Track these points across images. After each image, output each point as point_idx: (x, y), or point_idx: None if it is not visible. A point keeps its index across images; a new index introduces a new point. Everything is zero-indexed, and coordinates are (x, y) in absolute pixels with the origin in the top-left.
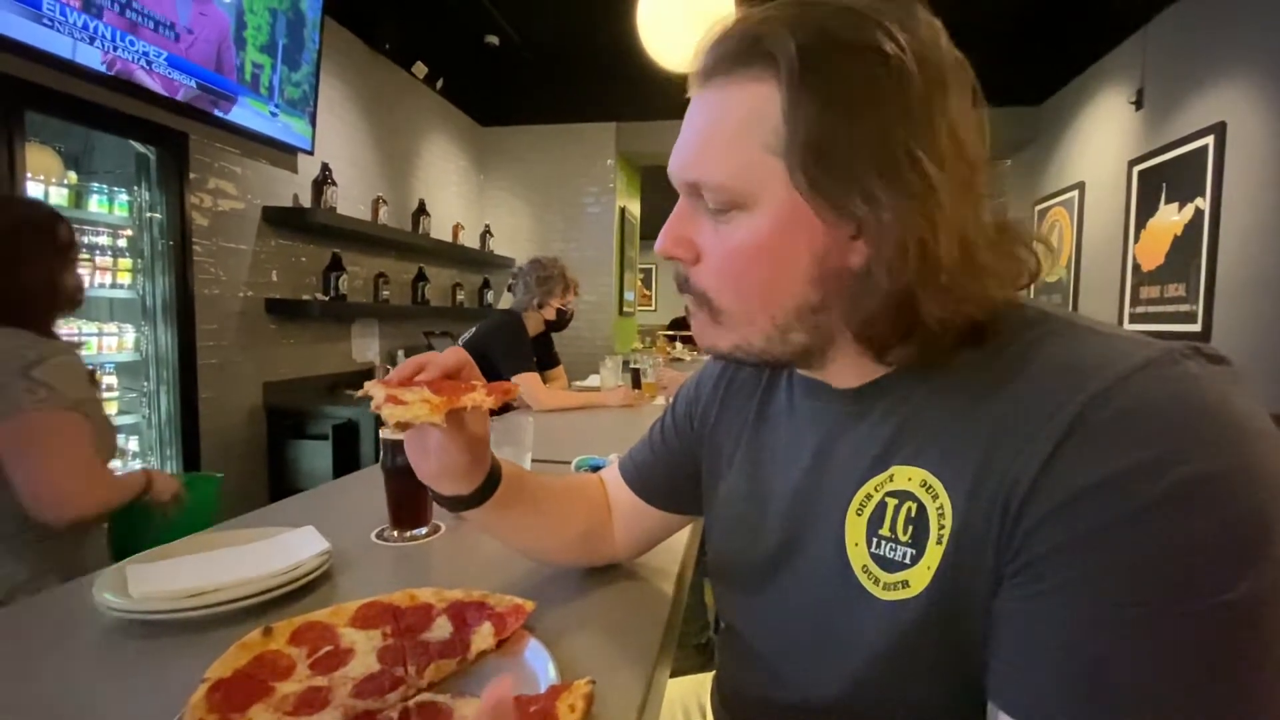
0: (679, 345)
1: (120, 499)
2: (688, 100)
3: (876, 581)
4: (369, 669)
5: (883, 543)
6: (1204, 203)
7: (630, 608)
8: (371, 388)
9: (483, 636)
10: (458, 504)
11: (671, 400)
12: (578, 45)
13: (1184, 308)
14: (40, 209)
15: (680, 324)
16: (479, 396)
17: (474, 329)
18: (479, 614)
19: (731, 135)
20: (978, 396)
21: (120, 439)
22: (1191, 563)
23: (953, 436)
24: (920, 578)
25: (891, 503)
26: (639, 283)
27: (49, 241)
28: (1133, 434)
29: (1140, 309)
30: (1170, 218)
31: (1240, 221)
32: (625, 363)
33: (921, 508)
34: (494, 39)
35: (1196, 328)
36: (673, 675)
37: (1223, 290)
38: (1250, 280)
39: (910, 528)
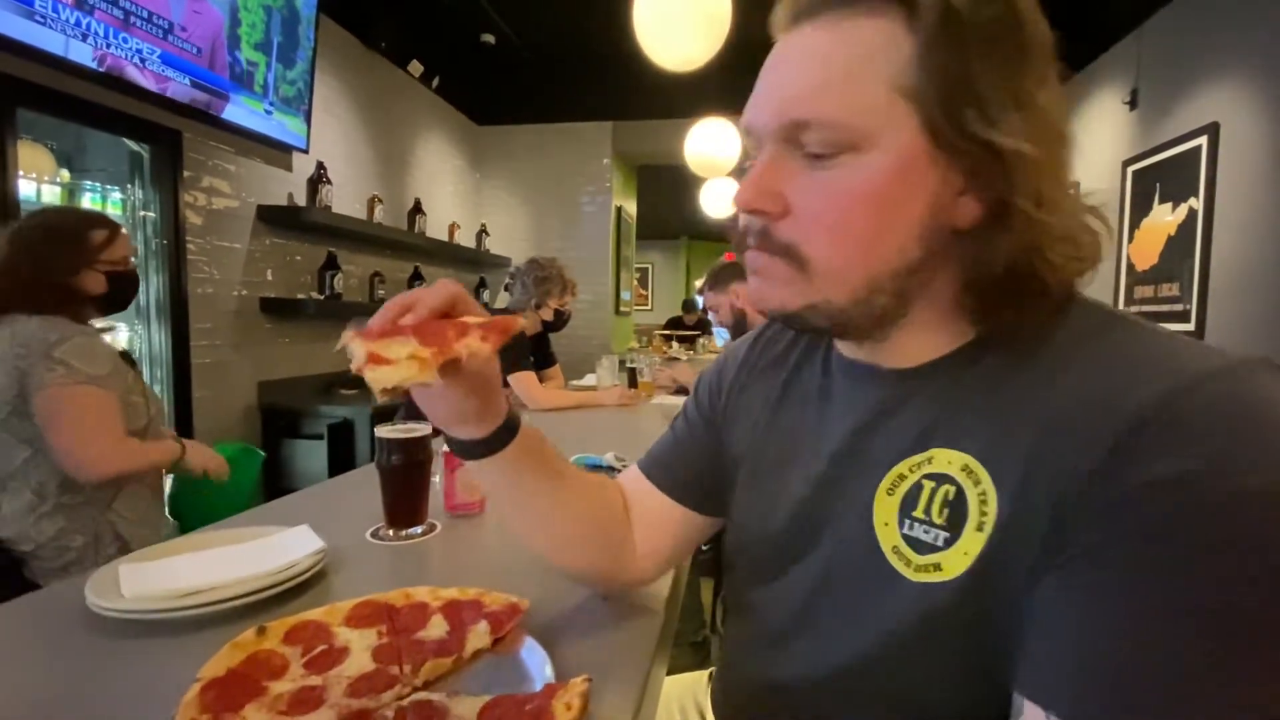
0: (675, 344)
1: (143, 465)
2: (767, 46)
3: (908, 563)
4: (364, 668)
5: (915, 524)
6: (1197, 203)
7: (627, 606)
8: (350, 342)
9: (478, 635)
10: (474, 449)
11: (692, 389)
12: (574, 44)
13: (1178, 307)
14: (69, 216)
15: (676, 323)
16: (474, 343)
17: None
18: (475, 612)
19: (853, 71)
20: (1032, 382)
21: None
22: (1248, 569)
23: (1002, 421)
24: (955, 563)
25: (929, 485)
26: (635, 282)
27: (73, 246)
28: (1202, 436)
29: (1134, 308)
30: (1164, 218)
31: (1233, 221)
32: (622, 362)
33: (960, 492)
34: (490, 38)
35: (1190, 327)
36: (669, 673)
37: (1216, 290)
38: (1243, 280)
39: (946, 511)
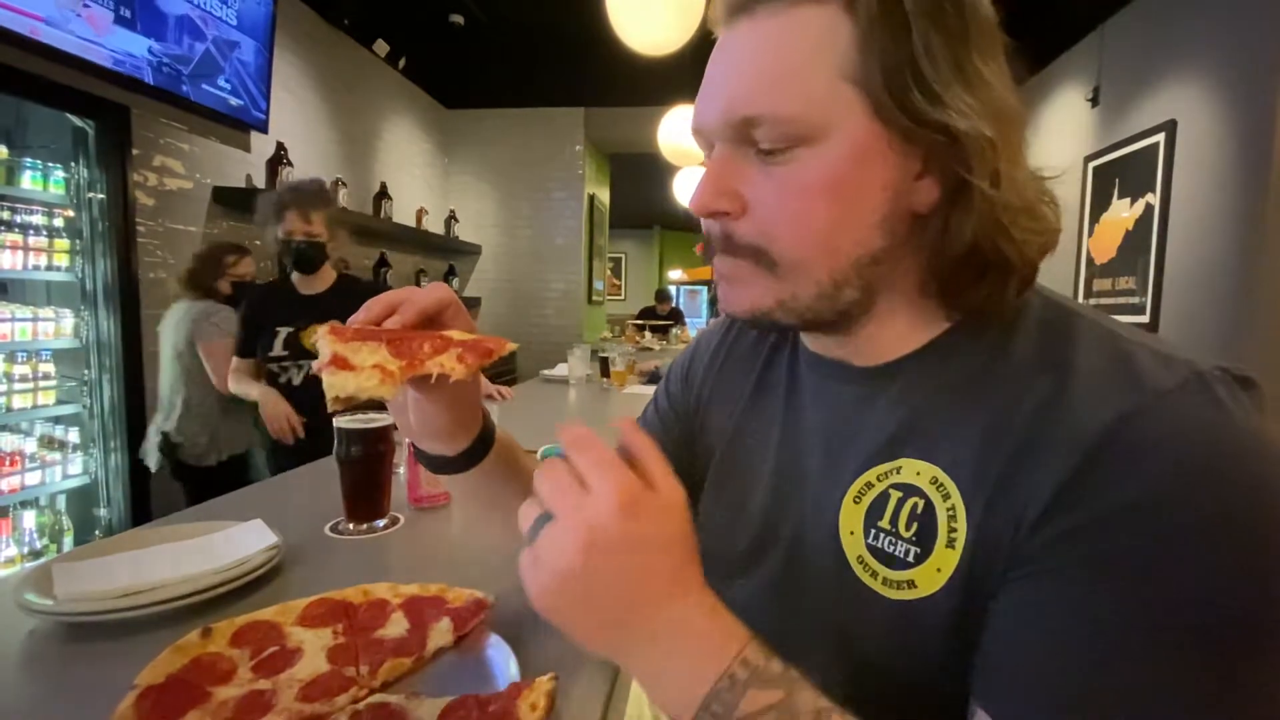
0: (648, 334)
1: (246, 393)
2: (713, 40)
3: (875, 575)
4: (317, 670)
5: (881, 535)
6: (1154, 198)
7: None
8: (321, 339)
9: (440, 633)
10: (441, 466)
11: (664, 378)
12: (545, 27)
13: (1134, 300)
14: (214, 247)
15: (649, 313)
16: (448, 361)
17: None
18: (437, 609)
19: (800, 62)
20: (999, 388)
21: (59, 430)
22: (1205, 594)
23: (972, 434)
24: (929, 580)
25: (895, 495)
26: (608, 271)
27: (215, 265)
28: (1163, 461)
29: (1093, 301)
30: (1122, 213)
31: (1188, 216)
32: (594, 351)
33: (929, 505)
34: (459, 18)
35: (1145, 319)
36: None
37: (1170, 282)
38: (1196, 274)
39: (915, 525)
